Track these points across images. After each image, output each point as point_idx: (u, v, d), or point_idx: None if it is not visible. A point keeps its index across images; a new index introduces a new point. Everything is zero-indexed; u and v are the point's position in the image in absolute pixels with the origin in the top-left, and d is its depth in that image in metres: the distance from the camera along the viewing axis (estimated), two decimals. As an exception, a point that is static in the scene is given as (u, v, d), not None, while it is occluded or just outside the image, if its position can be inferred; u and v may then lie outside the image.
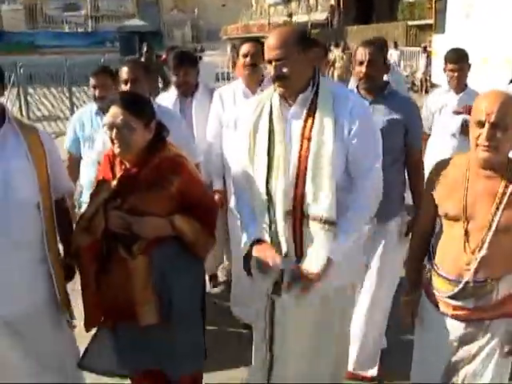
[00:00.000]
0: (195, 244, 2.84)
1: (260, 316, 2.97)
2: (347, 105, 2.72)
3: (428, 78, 19.70)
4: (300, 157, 2.67)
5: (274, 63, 2.65)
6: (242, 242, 2.86)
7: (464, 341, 2.60)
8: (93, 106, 4.26)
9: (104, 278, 2.79)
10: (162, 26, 37.39)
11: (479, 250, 2.43)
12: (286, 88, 2.70)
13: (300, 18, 41.05)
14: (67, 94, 14.18)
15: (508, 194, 2.39)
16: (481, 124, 2.37)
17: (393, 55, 19.19)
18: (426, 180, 2.81)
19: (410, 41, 27.85)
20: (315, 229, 2.65)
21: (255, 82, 4.04)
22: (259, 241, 2.78)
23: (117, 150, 2.74)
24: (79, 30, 39.97)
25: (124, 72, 3.63)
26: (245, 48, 4.08)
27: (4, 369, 2.77)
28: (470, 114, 3.76)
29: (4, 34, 34.75)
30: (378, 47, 3.60)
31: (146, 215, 2.73)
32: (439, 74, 15.67)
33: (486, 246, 2.41)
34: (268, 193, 2.74)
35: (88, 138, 4.19)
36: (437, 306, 2.65)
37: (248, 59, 4.03)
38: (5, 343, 2.72)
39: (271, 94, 2.83)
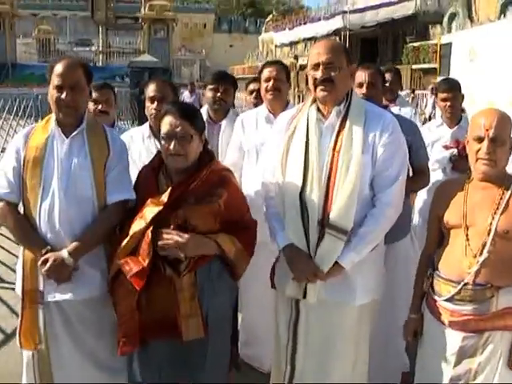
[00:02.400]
0: (235, 263, 2.87)
1: (282, 333, 3.05)
2: (379, 120, 2.87)
3: (433, 118, 20.07)
4: (331, 168, 2.80)
5: (321, 67, 2.78)
6: (277, 242, 2.96)
7: (463, 354, 2.63)
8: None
9: (145, 294, 2.75)
10: (172, 64, 38.11)
11: (480, 254, 2.56)
12: (330, 92, 2.81)
13: (306, 60, 41.80)
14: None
15: (505, 200, 2.57)
16: (480, 139, 2.57)
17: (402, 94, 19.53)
18: (430, 204, 2.96)
19: (414, 84, 28.34)
20: (330, 235, 2.77)
21: (279, 107, 3.77)
22: (289, 246, 2.88)
23: (172, 162, 2.78)
24: (90, 64, 40.50)
25: (152, 90, 3.63)
26: (266, 72, 3.88)
27: (58, 352, 2.95)
28: (459, 148, 3.99)
29: (17, 65, 35.40)
30: (377, 70, 3.74)
31: (192, 229, 2.73)
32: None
33: (486, 249, 2.55)
34: (301, 202, 2.83)
35: None
36: (435, 314, 2.74)
37: (270, 84, 3.82)
38: (58, 328, 2.94)
39: (306, 107, 2.96)
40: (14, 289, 5.38)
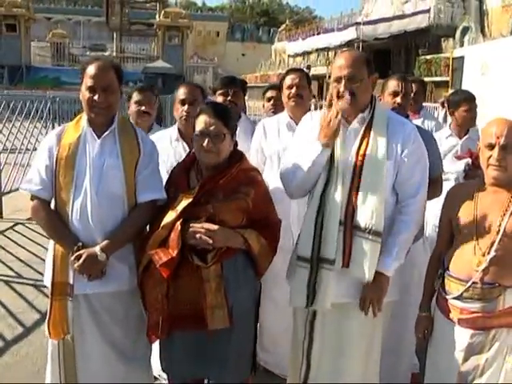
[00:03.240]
0: (259, 258, 2.98)
1: (299, 329, 3.18)
2: (402, 129, 3.01)
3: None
4: (354, 172, 2.92)
5: (343, 81, 2.92)
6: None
7: (471, 351, 2.77)
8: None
9: (173, 284, 2.88)
10: (185, 70, 38.36)
11: (488, 252, 2.71)
12: (352, 105, 2.95)
13: (318, 70, 41.81)
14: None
15: None
16: (491, 146, 2.74)
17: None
18: (441, 208, 3.10)
19: (426, 96, 28.41)
20: (362, 239, 2.87)
21: (301, 114, 3.63)
22: None
23: (205, 157, 2.91)
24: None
25: (183, 93, 3.75)
26: (289, 79, 3.93)
27: (83, 342, 3.08)
28: (473, 158, 4.06)
29: (32, 68, 35.74)
30: (410, 81, 3.88)
31: (220, 224, 2.84)
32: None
33: (494, 248, 2.69)
34: (322, 202, 2.96)
35: None
36: (445, 312, 2.88)
37: (293, 90, 3.88)
38: (85, 320, 3.06)
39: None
40: (32, 284, 5.64)
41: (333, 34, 42.17)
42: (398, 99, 3.77)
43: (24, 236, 7.60)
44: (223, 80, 4.46)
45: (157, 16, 37.36)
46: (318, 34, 46.92)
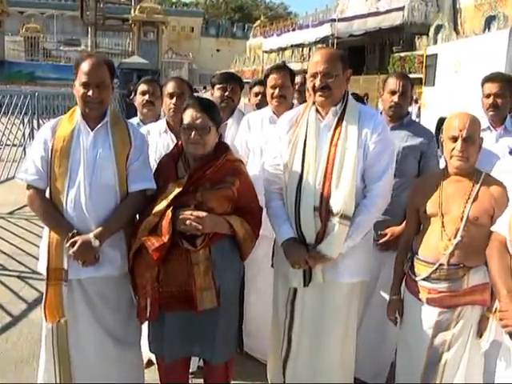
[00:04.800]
0: (243, 242, 3.17)
1: (280, 309, 3.40)
2: (371, 120, 3.21)
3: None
4: (328, 161, 3.13)
5: (319, 76, 3.12)
6: (277, 237, 3.30)
7: (439, 328, 3.01)
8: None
9: (164, 268, 3.04)
10: (160, 66, 38.23)
11: (454, 237, 2.94)
12: (327, 98, 3.16)
13: (293, 66, 42.06)
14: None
15: (475, 191, 2.95)
16: (454, 139, 2.98)
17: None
18: (408, 197, 3.34)
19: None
20: (334, 222, 3.08)
21: (284, 111, 3.80)
22: (291, 239, 3.20)
23: (192, 149, 3.07)
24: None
25: (171, 87, 3.90)
26: (272, 79, 4.05)
27: (76, 325, 3.19)
28: None
29: (6, 63, 35.32)
30: (409, 81, 3.99)
31: (208, 211, 3.01)
32: (427, 124, 16.44)
33: (459, 233, 2.93)
34: (299, 190, 3.16)
35: None
36: (414, 294, 3.10)
37: (276, 92, 4.01)
38: (78, 304, 3.19)
39: (309, 108, 3.28)
40: (17, 276, 5.72)
41: (308, 31, 42.38)
42: (396, 98, 3.89)
43: (6, 230, 7.65)
44: (222, 75, 4.58)
45: (132, 11, 37.12)
46: (293, 30, 47.12)
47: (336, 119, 3.20)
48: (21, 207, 8.73)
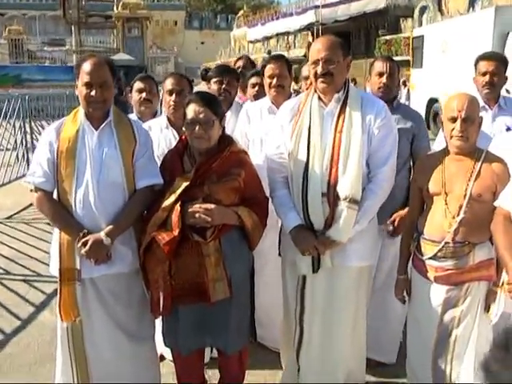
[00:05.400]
0: (252, 233, 3.21)
1: (290, 298, 3.45)
2: (374, 105, 3.26)
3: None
4: (333, 147, 3.17)
5: (321, 62, 3.15)
6: (284, 225, 3.34)
7: (448, 305, 3.08)
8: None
9: (175, 262, 3.08)
10: (146, 61, 38.13)
11: (458, 215, 3.00)
12: (329, 84, 3.19)
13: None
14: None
15: (477, 169, 3.01)
16: (453, 119, 3.03)
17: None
18: (411, 178, 3.41)
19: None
20: (343, 207, 3.12)
21: (282, 101, 3.82)
22: (299, 226, 3.23)
23: (197, 143, 3.10)
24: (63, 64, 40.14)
25: (170, 84, 3.88)
26: (270, 69, 4.06)
27: (91, 323, 3.23)
28: None
29: (-10, 66, 35.07)
30: (396, 63, 4.04)
31: (216, 203, 3.05)
32: (417, 106, 16.57)
33: (462, 210, 2.99)
34: (305, 177, 3.19)
35: None
36: (422, 273, 3.17)
37: (274, 81, 4.03)
38: (92, 302, 3.22)
39: (310, 96, 3.31)
40: (22, 280, 5.75)
41: (292, 18, 42.38)
42: (384, 79, 3.94)
43: (6, 234, 7.66)
44: (219, 68, 4.56)
45: (114, 7, 37.00)
46: (277, 18, 47.06)
47: (339, 106, 3.24)
48: (18, 211, 8.75)
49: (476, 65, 4.14)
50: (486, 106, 4.07)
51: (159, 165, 3.33)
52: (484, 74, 4.04)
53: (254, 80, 4.69)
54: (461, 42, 16.29)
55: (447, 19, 24.39)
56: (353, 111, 3.21)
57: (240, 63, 5.31)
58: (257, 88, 4.63)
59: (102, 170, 3.13)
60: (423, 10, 31.14)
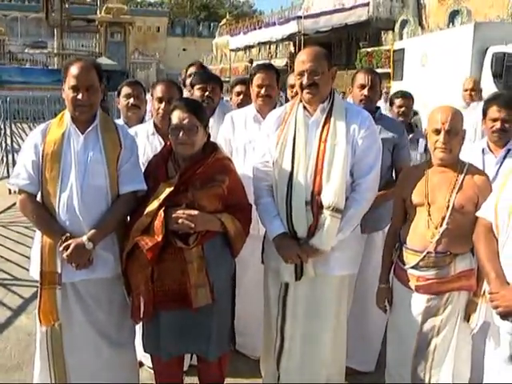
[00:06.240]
0: (235, 239, 3.22)
1: (272, 306, 3.46)
2: (358, 116, 3.30)
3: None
4: (318, 156, 3.21)
5: (306, 74, 3.19)
6: (268, 233, 3.34)
7: (428, 314, 3.12)
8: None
9: (158, 267, 3.08)
10: (128, 67, 37.99)
11: (440, 225, 3.05)
12: (314, 95, 3.23)
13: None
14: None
15: (460, 181, 3.07)
16: (437, 131, 3.09)
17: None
18: (395, 189, 3.44)
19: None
20: (326, 215, 3.15)
21: (268, 110, 3.80)
22: (282, 234, 3.25)
23: (181, 149, 3.11)
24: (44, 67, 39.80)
25: (160, 91, 3.86)
26: (259, 79, 4.05)
27: (70, 328, 3.20)
28: None
29: (-30, 68, 34.59)
30: (378, 75, 4.10)
31: (199, 209, 3.06)
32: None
33: (445, 221, 3.04)
34: (290, 186, 3.22)
35: None
36: (404, 282, 3.20)
37: (263, 91, 4.01)
38: (73, 307, 3.20)
39: (296, 105, 3.34)
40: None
41: (274, 28, 42.53)
42: (365, 91, 4.00)
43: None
44: (202, 76, 4.56)
45: (98, 12, 36.84)
46: (260, 28, 47.18)
47: (324, 116, 3.27)
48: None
49: (486, 108, 3.89)
50: (488, 150, 3.85)
51: (144, 170, 3.32)
52: (495, 120, 3.80)
53: (238, 88, 4.68)
54: (440, 56, 16.51)
55: (427, 33, 24.72)
56: (337, 121, 3.24)
57: (192, 69, 5.22)
58: (241, 96, 4.62)
59: (87, 174, 3.12)
60: (404, 23, 31.54)
